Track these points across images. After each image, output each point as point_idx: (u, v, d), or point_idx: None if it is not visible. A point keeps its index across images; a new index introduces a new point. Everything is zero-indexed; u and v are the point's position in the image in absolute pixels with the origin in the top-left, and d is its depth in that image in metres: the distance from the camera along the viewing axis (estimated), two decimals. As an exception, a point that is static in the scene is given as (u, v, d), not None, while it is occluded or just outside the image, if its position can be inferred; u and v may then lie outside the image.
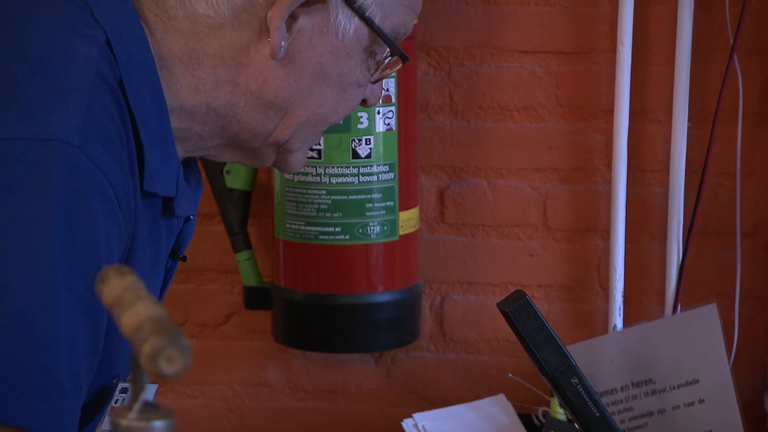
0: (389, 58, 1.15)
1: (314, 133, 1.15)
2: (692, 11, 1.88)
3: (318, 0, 1.08)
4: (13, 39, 1.02)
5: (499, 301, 1.45)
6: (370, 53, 1.12)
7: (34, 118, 0.97)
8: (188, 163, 1.16)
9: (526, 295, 1.43)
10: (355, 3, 1.08)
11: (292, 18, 1.08)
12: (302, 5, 1.07)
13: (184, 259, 1.18)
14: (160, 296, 1.17)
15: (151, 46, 1.07)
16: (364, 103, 1.17)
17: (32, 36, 1.03)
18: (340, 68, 1.10)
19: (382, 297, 1.88)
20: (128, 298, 0.74)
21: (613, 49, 1.93)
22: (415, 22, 1.89)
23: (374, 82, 1.15)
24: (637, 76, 1.94)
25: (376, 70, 1.14)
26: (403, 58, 1.13)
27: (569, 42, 1.96)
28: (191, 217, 1.15)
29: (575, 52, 1.97)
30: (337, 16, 1.09)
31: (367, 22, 1.09)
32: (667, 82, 1.93)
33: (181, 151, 1.13)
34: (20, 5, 1.06)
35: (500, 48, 1.98)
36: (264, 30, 1.07)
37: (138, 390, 0.73)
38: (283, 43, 1.07)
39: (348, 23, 1.09)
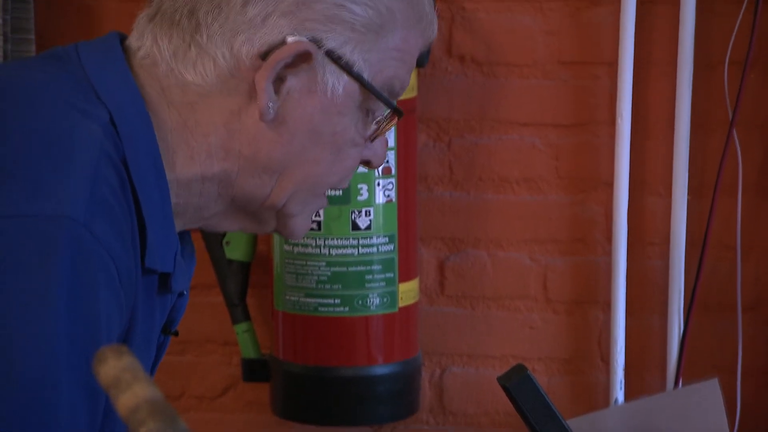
0: (387, 116, 1.13)
1: (313, 196, 1.14)
2: (691, 85, 1.89)
3: (303, 59, 1.07)
4: (19, 118, 1.03)
5: (499, 374, 1.44)
6: (367, 111, 1.11)
7: (40, 195, 0.98)
8: (182, 236, 1.16)
9: (526, 369, 1.42)
10: (342, 59, 1.07)
11: (280, 80, 1.07)
12: (288, 66, 1.07)
13: (176, 334, 1.18)
14: (152, 371, 1.17)
15: (152, 121, 1.07)
16: (368, 164, 1.15)
17: (37, 115, 1.03)
18: (332, 127, 1.09)
19: (381, 369, 1.87)
20: (125, 379, 0.73)
21: (612, 121, 1.93)
22: (415, 94, 1.91)
23: (372, 140, 1.15)
24: (637, 148, 1.94)
25: (378, 128, 1.13)
26: (398, 113, 1.12)
27: (569, 115, 1.97)
28: (184, 292, 1.15)
29: (575, 124, 1.97)
30: (324, 74, 1.08)
31: (356, 77, 1.08)
32: (666, 155, 1.93)
33: (179, 225, 1.12)
34: (25, 85, 1.07)
35: (500, 120, 1.99)
36: (253, 94, 1.07)
37: (134, 473, 0.72)
38: (271, 104, 1.07)
39: (336, 81, 1.08)
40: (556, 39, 1.96)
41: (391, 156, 1.85)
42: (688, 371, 1.92)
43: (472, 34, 1.97)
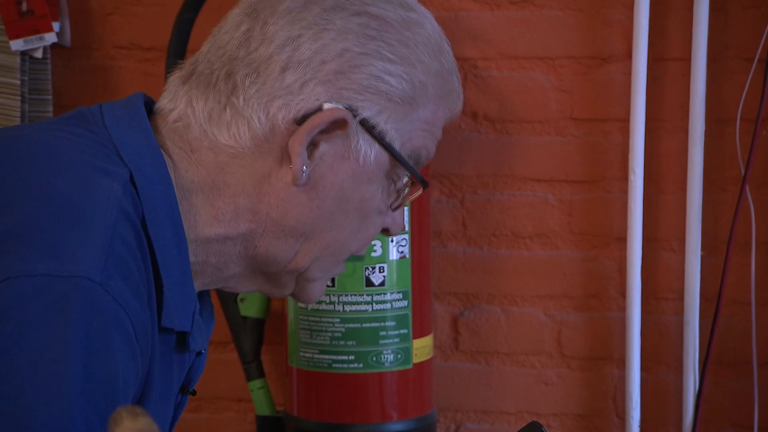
0: (410, 185, 1.15)
1: (334, 262, 1.15)
2: (703, 141, 1.90)
3: (338, 127, 1.09)
4: (39, 179, 1.04)
5: (514, 430, 1.44)
6: (391, 179, 1.13)
7: (56, 255, 0.99)
8: (202, 296, 1.16)
9: (541, 426, 1.41)
10: (375, 129, 1.09)
11: (313, 145, 1.09)
12: (322, 132, 1.09)
13: (194, 393, 1.18)
14: (169, 431, 1.17)
15: (173, 180, 1.09)
16: (385, 232, 1.17)
17: (57, 176, 1.04)
18: (361, 194, 1.11)
19: (396, 426, 1.86)
20: (141, 442, 0.73)
21: (624, 177, 1.94)
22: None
23: (394, 209, 1.16)
24: (650, 204, 1.95)
25: (398, 196, 1.15)
26: (423, 184, 1.14)
27: (581, 170, 1.98)
28: (203, 351, 1.15)
29: (587, 180, 1.98)
30: (357, 142, 1.10)
31: (387, 147, 1.10)
32: (679, 211, 1.94)
33: (198, 285, 1.13)
34: (47, 145, 1.08)
35: (513, 176, 1.99)
36: (285, 157, 1.09)
37: None
38: (304, 168, 1.08)
39: (369, 149, 1.10)
40: (569, 96, 1.97)
41: (405, 212, 1.86)
42: (704, 427, 1.91)
43: (485, 91, 1.98)
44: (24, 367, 0.95)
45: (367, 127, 1.09)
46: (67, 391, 0.96)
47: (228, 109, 1.09)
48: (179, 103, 1.11)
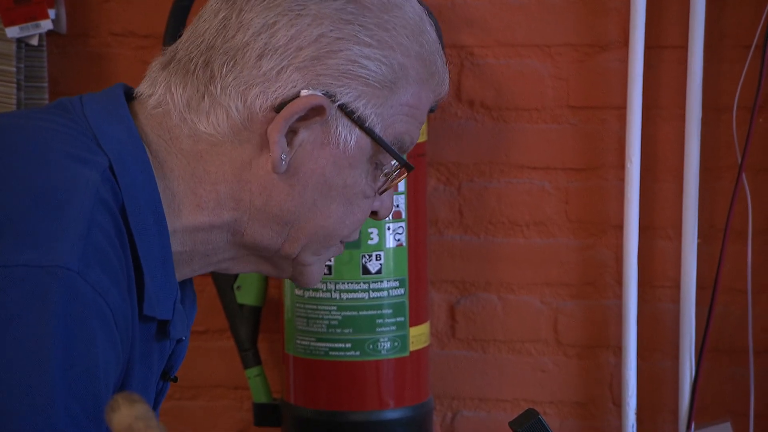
0: (395, 169, 1.14)
1: (326, 247, 1.14)
2: (699, 129, 1.90)
3: (317, 113, 1.08)
4: (19, 169, 1.04)
5: (510, 418, 1.44)
6: (376, 164, 1.13)
7: (35, 245, 0.99)
8: (184, 284, 1.16)
9: (538, 414, 1.41)
10: (354, 114, 1.09)
11: (293, 132, 1.09)
12: (301, 119, 1.08)
13: (175, 380, 1.18)
14: None
15: (153, 169, 1.08)
16: (374, 215, 1.16)
17: (37, 165, 1.04)
18: (344, 179, 1.11)
19: (392, 414, 1.87)
20: (138, 428, 0.74)
21: (621, 165, 1.94)
22: (425, 139, 1.92)
23: (381, 193, 1.15)
24: (646, 192, 1.95)
25: (385, 180, 1.14)
26: (407, 167, 1.13)
27: (578, 158, 1.98)
28: (183, 338, 1.15)
29: (584, 168, 1.98)
30: (337, 128, 1.09)
31: (368, 132, 1.09)
32: (676, 199, 1.94)
33: (187, 273, 1.13)
34: (27, 136, 1.08)
35: (509, 164, 2.00)
36: (265, 145, 1.08)
37: None
38: (283, 156, 1.08)
39: (349, 134, 1.09)
40: (565, 84, 1.97)
41: (402, 200, 1.86)
42: (701, 415, 1.92)
43: (481, 79, 1.98)
44: (5, 357, 0.95)
45: (347, 112, 1.08)
46: (48, 381, 0.96)
47: (206, 98, 1.08)
48: (158, 88, 1.10)
